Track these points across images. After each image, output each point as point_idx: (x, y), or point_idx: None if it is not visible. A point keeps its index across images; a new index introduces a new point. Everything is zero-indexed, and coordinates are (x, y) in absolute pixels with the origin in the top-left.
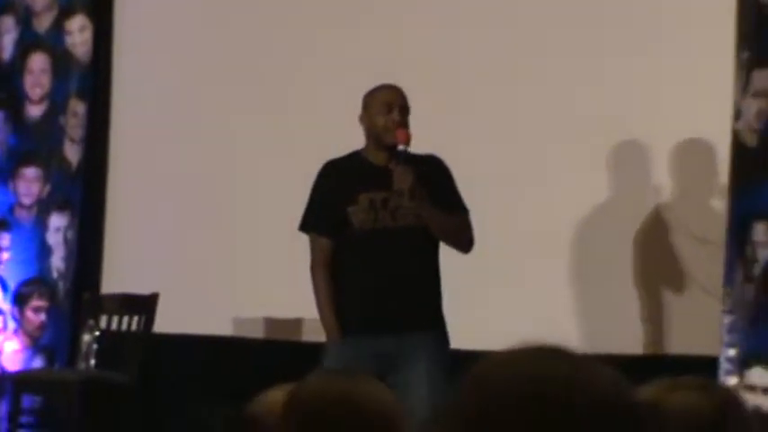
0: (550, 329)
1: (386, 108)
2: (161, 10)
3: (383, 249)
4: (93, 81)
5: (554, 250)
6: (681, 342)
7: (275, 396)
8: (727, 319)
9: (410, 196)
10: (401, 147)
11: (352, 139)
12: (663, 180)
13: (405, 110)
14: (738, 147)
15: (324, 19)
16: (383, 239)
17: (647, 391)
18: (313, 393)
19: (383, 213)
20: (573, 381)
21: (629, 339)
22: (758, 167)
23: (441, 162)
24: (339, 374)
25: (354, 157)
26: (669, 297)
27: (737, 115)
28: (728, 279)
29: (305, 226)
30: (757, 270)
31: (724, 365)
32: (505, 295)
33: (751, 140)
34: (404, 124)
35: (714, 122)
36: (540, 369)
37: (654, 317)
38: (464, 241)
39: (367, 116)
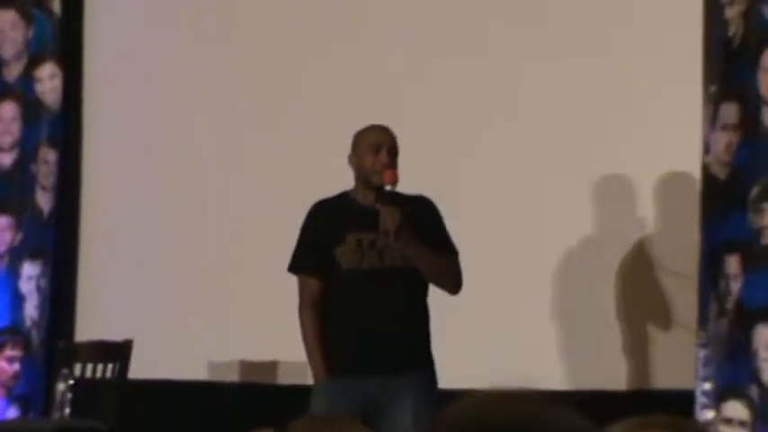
0: (529, 366)
1: (374, 149)
2: (130, 55)
3: (370, 290)
4: (63, 128)
5: (532, 287)
6: (658, 376)
7: None
8: (702, 353)
9: (395, 237)
10: (388, 187)
11: (337, 177)
12: (637, 214)
13: (393, 151)
14: (708, 180)
15: (295, 50)
16: (370, 280)
17: (614, 431)
18: None
19: (370, 254)
20: (534, 425)
21: (607, 375)
22: (728, 200)
23: (430, 202)
24: (323, 420)
25: (344, 197)
26: (646, 332)
27: (707, 148)
28: (703, 313)
29: (293, 266)
30: (730, 303)
31: (700, 399)
32: (486, 332)
33: (720, 173)
34: (392, 165)
35: (684, 156)
36: (502, 414)
37: (631, 352)
38: (452, 282)
39: (356, 157)
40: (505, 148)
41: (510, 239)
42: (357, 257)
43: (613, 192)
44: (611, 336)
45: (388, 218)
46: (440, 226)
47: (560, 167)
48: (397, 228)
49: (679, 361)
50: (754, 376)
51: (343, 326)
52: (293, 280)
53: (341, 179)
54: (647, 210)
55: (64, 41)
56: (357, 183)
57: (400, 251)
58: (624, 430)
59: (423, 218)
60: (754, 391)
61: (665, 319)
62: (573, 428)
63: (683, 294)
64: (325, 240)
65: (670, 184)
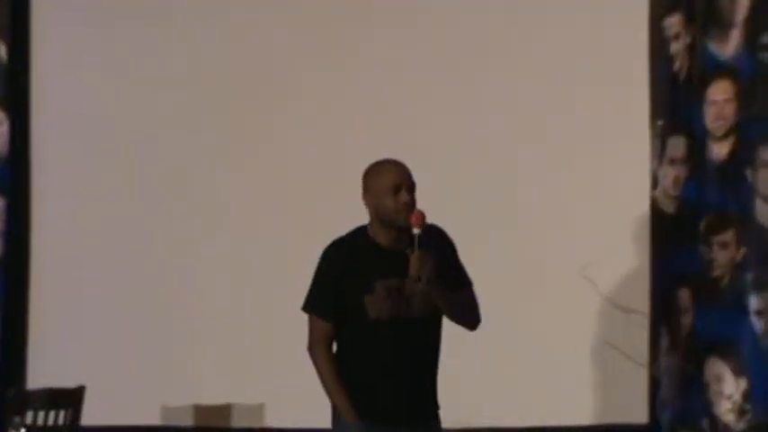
0: (484, 403)
1: (393, 189)
2: (78, 101)
3: (400, 339)
4: (11, 175)
5: (482, 325)
6: (610, 411)
7: None
8: (655, 387)
9: (427, 281)
10: (416, 230)
11: (307, 204)
12: (587, 249)
13: (412, 188)
14: (657, 214)
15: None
16: (400, 329)
17: None
18: None
19: (399, 302)
20: None
21: (561, 410)
22: (678, 234)
23: (444, 233)
24: None
25: (361, 236)
26: (600, 367)
27: (655, 183)
28: (655, 347)
29: (310, 307)
30: (682, 336)
31: None
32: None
33: (669, 207)
34: (414, 204)
35: (633, 190)
36: None
37: (585, 387)
38: (474, 319)
39: (372, 197)
40: (447, 190)
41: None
42: (386, 306)
43: (560, 226)
44: (566, 371)
45: (420, 264)
46: (455, 257)
47: (506, 204)
48: (429, 275)
49: (632, 395)
50: (706, 409)
51: (372, 373)
52: (246, 324)
53: (311, 206)
54: (596, 244)
55: (11, 88)
56: (375, 222)
57: (427, 296)
58: None
59: (439, 250)
60: (706, 424)
61: (616, 354)
62: None
63: (634, 329)
64: (350, 287)
65: (619, 218)
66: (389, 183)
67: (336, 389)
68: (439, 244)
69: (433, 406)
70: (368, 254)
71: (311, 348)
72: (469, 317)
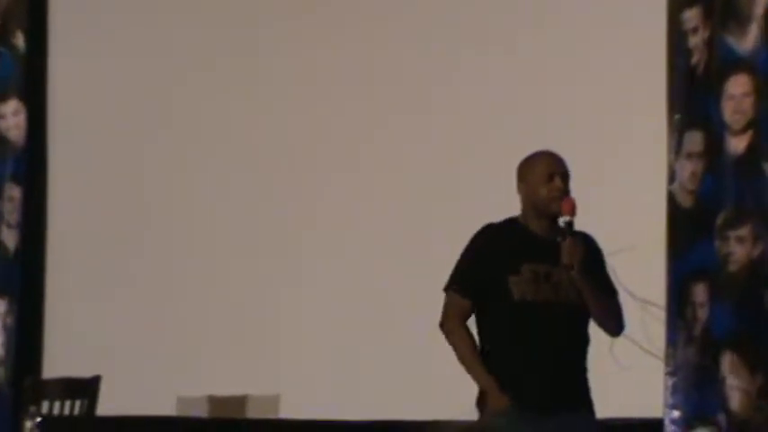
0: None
1: (547, 177)
2: (94, 91)
3: (545, 323)
4: (27, 165)
5: None
6: (626, 405)
7: None
8: (670, 381)
9: (579, 270)
10: (568, 218)
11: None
12: (604, 243)
13: (566, 177)
14: (674, 208)
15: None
16: (545, 313)
17: None
18: None
19: (545, 286)
20: None
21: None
22: (694, 228)
23: (594, 242)
24: None
25: (514, 224)
26: (612, 359)
27: (672, 177)
28: (671, 340)
29: (453, 286)
30: (698, 331)
31: (668, 427)
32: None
33: (685, 201)
34: (567, 192)
35: (650, 184)
36: None
37: (599, 381)
38: (617, 324)
39: (526, 186)
40: (472, 181)
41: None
42: (532, 289)
43: (578, 220)
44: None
45: (572, 251)
46: (603, 265)
47: None
48: (580, 262)
49: (647, 389)
50: (723, 404)
51: (514, 358)
52: (262, 315)
53: (324, 195)
54: (613, 238)
55: (28, 78)
56: (527, 211)
57: (578, 286)
58: None
59: (590, 256)
60: (722, 419)
61: (632, 347)
62: None
63: (650, 322)
64: (496, 267)
65: (636, 212)
66: (543, 170)
67: (476, 366)
68: (589, 249)
69: (583, 397)
70: (518, 238)
71: (444, 324)
72: (612, 319)
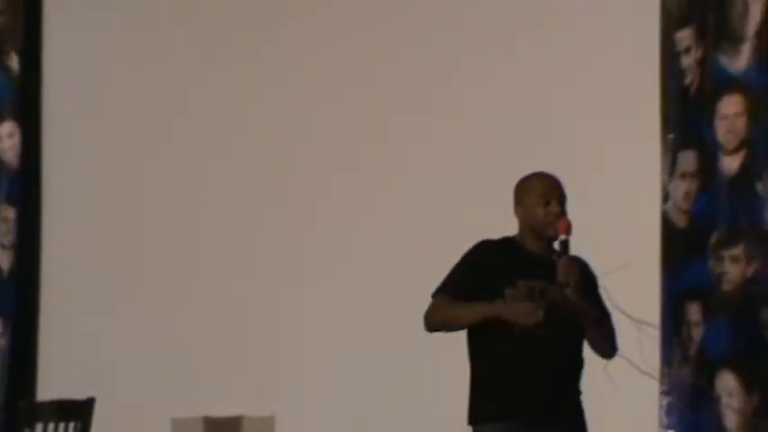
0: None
1: (543, 200)
2: (88, 112)
3: (538, 340)
4: (22, 186)
5: None
6: (620, 424)
7: None
8: (665, 401)
9: (575, 288)
10: (563, 237)
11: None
12: (597, 262)
13: (563, 199)
14: (668, 228)
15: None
16: (540, 329)
17: None
18: None
19: (540, 303)
20: None
21: None
22: (688, 247)
23: (587, 266)
24: None
25: (510, 242)
26: (607, 379)
27: (666, 196)
28: (665, 360)
29: (443, 291)
30: (693, 350)
31: None
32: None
33: (680, 221)
34: (563, 214)
35: (644, 204)
36: None
37: (593, 400)
38: (610, 347)
39: (523, 209)
40: (473, 184)
41: None
42: (528, 306)
43: (573, 239)
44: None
45: (568, 269)
46: (596, 288)
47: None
48: (576, 280)
49: (642, 408)
50: (718, 423)
51: (509, 374)
52: (258, 336)
53: (322, 212)
54: (607, 258)
55: (22, 99)
56: (524, 232)
57: (572, 305)
58: None
59: (584, 278)
60: None
61: (626, 366)
62: None
63: (645, 342)
64: (491, 279)
65: (630, 232)
66: (539, 193)
67: (479, 305)
68: (582, 271)
69: (576, 416)
70: (514, 255)
71: (429, 320)
72: (606, 340)
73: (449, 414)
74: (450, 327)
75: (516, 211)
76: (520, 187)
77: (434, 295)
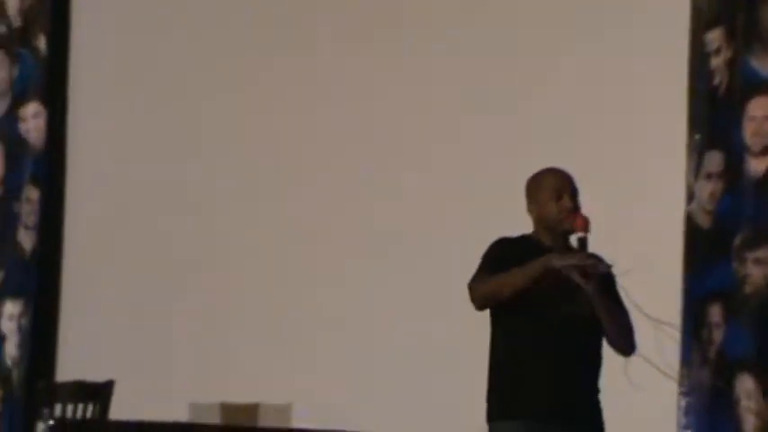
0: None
1: (555, 195)
2: (115, 94)
3: (557, 335)
4: (47, 167)
5: None
6: (639, 425)
7: None
8: (683, 402)
9: (594, 284)
10: (582, 234)
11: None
12: (620, 262)
13: (575, 193)
14: (691, 228)
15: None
16: (558, 325)
17: None
18: None
19: (562, 301)
20: None
21: None
22: (711, 249)
23: (604, 261)
24: None
25: (528, 240)
26: (626, 379)
27: (690, 197)
28: (685, 361)
29: (478, 274)
30: (713, 352)
31: None
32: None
33: (704, 222)
34: (577, 209)
35: (668, 204)
36: None
37: (610, 399)
38: (629, 343)
39: (536, 206)
40: (482, 194)
41: None
42: (546, 300)
43: (596, 238)
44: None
45: (588, 265)
46: (614, 287)
47: None
48: (595, 277)
49: (661, 409)
50: (736, 426)
51: (528, 368)
52: (276, 324)
53: (342, 205)
54: (629, 257)
55: (49, 81)
56: (539, 229)
57: (592, 300)
58: None
59: (603, 276)
60: None
61: (646, 366)
62: None
63: (665, 342)
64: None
65: (654, 231)
66: (551, 189)
67: (516, 270)
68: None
69: (594, 414)
70: (534, 251)
71: (473, 292)
72: (624, 337)
73: (465, 403)
74: (501, 293)
75: (530, 209)
76: (531, 184)
77: (470, 283)
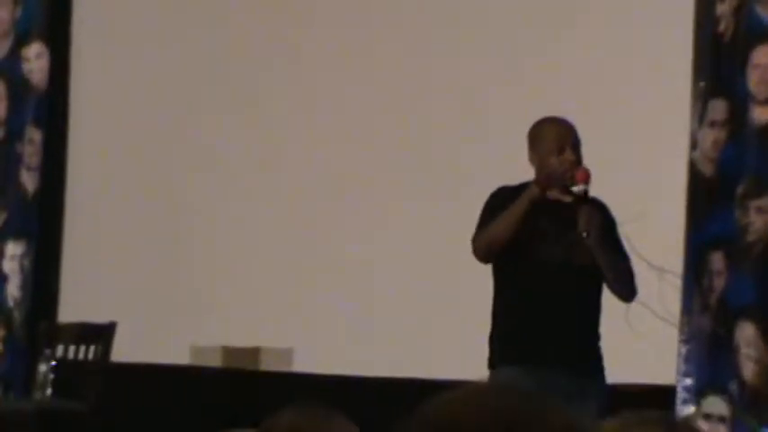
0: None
1: (557, 147)
2: (118, 36)
3: (557, 283)
4: (49, 108)
5: None
6: (639, 371)
7: None
8: (684, 349)
9: (594, 239)
10: (582, 187)
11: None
12: (623, 208)
13: (577, 146)
14: (695, 176)
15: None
16: (558, 273)
17: (609, 426)
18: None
19: (560, 248)
20: (528, 418)
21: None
22: (714, 197)
23: (607, 209)
24: (314, 413)
25: (527, 187)
26: (628, 326)
27: (694, 145)
28: (686, 308)
29: (477, 229)
30: (714, 300)
31: (681, 394)
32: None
33: (707, 170)
34: (579, 162)
35: (671, 152)
36: (494, 407)
37: (612, 346)
38: (630, 289)
39: (537, 156)
40: (492, 148)
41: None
42: (546, 249)
43: (599, 186)
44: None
45: (588, 219)
46: (615, 232)
47: None
48: (598, 229)
49: (661, 356)
50: (735, 373)
51: (529, 315)
52: (278, 268)
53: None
54: (632, 204)
55: (52, 21)
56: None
57: (592, 249)
58: (620, 426)
59: (604, 222)
60: (734, 388)
61: (646, 313)
62: (566, 422)
63: (666, 289)
64: None
65: (657, 178)
66: (553, 142)
67: (511, 207)
68: (602, 217)
69: (594, 361)
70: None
71: (476, 244)
72: (627, 285)
73: (466, 348)
74: (497, 237)
75: (531, 158)
76: (533, 133)
77: (472, 237)
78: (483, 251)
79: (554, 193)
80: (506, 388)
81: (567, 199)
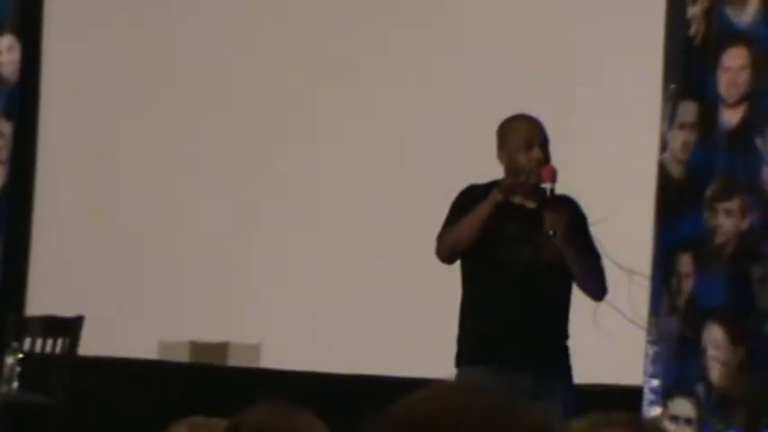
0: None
1: (526, 145)
2: (90, 29)
3: (524, 282)
4: (20, 101)
5: None
6: (605, 372)
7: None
8: (651, 350)
9: (562, 237)
10: (550, 185)
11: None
12: (592, 209)
13: (545, 143)
14: (664, 178)
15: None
16: (525, 273)
17: (577, 427)
18: (254, 429)
19: (527, 247)
20: (497, 417)
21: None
22: (683, 199)
23: (577, 206)
24: (282, 410)
25: (495, 186)
26: (595, 326)
27: (664, 146)
28: (654, 310)
29: (442, 230)
30: (682, 301)
31: (648, 396)
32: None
33: (676, 172)
34: (547, 160)
35: (641, 153)
36: (463, 406)
37: (580, 347)
38: (599, 287)
39: (505, 153)
40: (466, 147)
41: None
42: (513, 248)
43: (568, 186)
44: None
45: (555, 219)
46: (586, 230)
47: None
48: (564, 230)
49: (628, 357)
50: (702, 375)
51: (496, 315)
52: (246, 264)
53: (313, 147)
54: (601, 205)
55: (23, 14)
56: (508, 175)
57: (560, 248)
58: (587, 427)
59: (573, 219)
60: (701, 389)
61: (614, 315)
62: (536, 421)
63: (635, 291)
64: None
65: (626, 179)
66: (521, 137)
67: (473, 212)
68: (572, 212)
69: (562, 360)
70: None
71: (439, 245)
72: (596, 283)
73: (436, 349)
74: (460, 240)
75: (499, 156)
76: (502, 131)
77: (438, 237)
78: (446, 252)
79: (518, 199)
80: (476, 387)
81: (532, 205)
